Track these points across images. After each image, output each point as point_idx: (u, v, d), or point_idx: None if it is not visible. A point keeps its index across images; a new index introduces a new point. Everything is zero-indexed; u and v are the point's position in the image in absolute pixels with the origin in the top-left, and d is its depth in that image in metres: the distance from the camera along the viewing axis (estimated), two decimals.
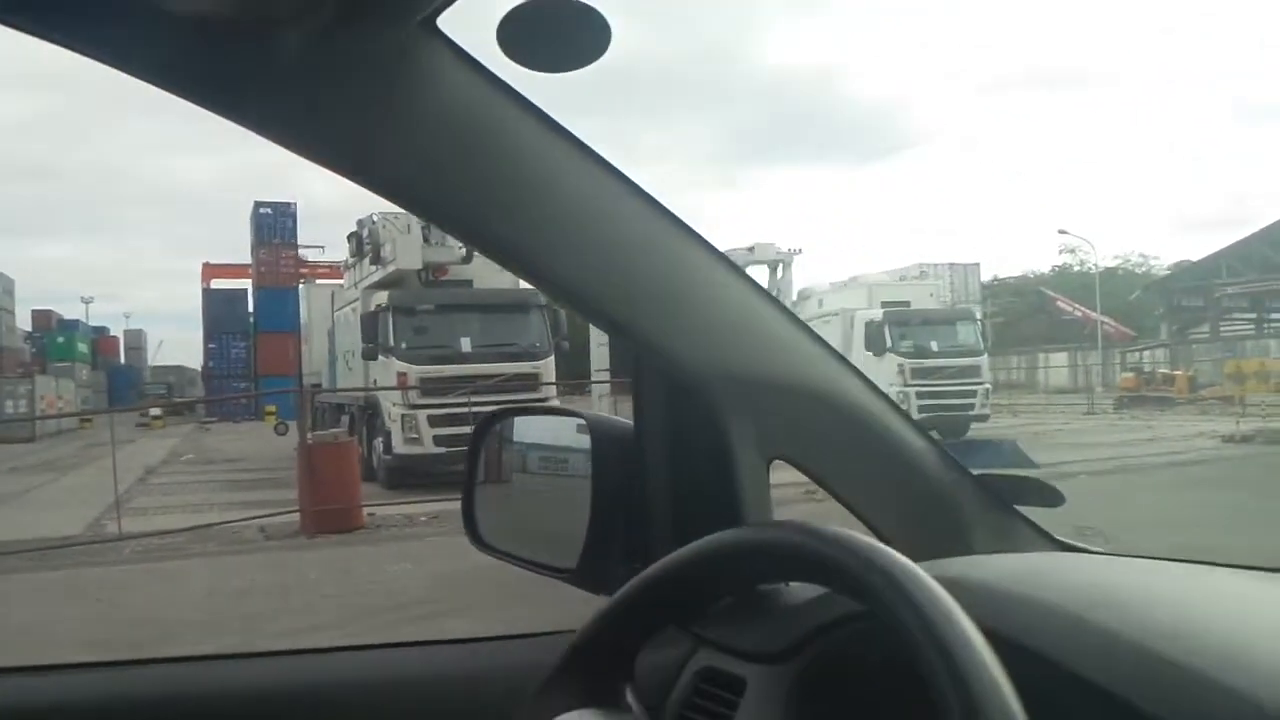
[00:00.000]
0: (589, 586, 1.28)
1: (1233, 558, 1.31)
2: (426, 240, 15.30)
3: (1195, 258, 58.02)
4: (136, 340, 67.63)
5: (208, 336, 52.14)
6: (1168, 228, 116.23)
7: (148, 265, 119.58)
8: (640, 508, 1.27)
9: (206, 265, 54.15)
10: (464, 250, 15.50)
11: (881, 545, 0.79)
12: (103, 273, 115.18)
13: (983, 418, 22.51)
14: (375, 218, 15.59)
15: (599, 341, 28.95)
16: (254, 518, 11.29)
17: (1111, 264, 73.64)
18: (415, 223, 15.42)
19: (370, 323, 14.71)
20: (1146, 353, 45.03)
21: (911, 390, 21.36)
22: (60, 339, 51.19)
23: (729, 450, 1.24)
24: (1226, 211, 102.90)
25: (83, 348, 52.62)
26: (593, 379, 27.75)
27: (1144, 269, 74.85)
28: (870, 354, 22.10)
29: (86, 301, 64.02)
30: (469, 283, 15.77)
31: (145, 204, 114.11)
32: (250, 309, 50.30)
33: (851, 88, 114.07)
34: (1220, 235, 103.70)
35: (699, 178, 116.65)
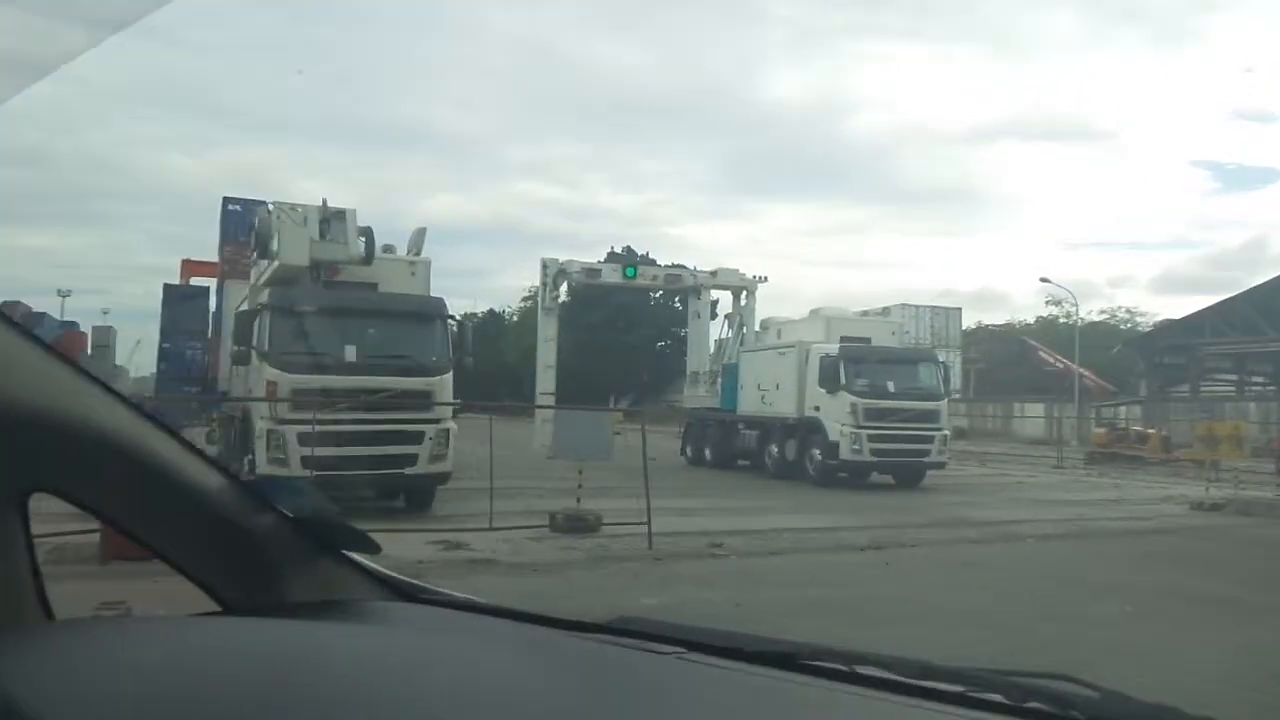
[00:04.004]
0: None
1: None
2: (322, 235, 13.80)
3: (1178, 316, 57.32)
4: (104, 338, 65.26)
5: (163, 336, 50.37)
6: (1149, 287, 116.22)
7: (133, 261, 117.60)
8: None
9: (186, 262, 52.47)
10: (363, 249, 14.06)
11: None
12: (87, 267, 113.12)
13: (939, 465, 21.04)
14: (270, 207, 14.07)
15: (545, 364, 27.66)
16: (54, 535, 9.66)
17: (1096, 318, 73.23)
18: (313, 216, 13.95)
19: (243, 323, 13.16)
20: (1123, 409, 43.78)
21: (864, 433, 19.91)
22: None
23: None
24: (1208, 276, 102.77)
25: None
26: (537, 402, 26.34)
27: (1129, 324, 74.36)
28: (823, 391, 20.66)
29: (63, 295, 61.74)
30: (373, 286, 14.25)
31: (134, 199, 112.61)
32: (212, 309, 48.75)
33: (849, 129, 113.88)
34: (1202, 298, 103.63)
35: (695, 206, 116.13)
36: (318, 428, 12.21)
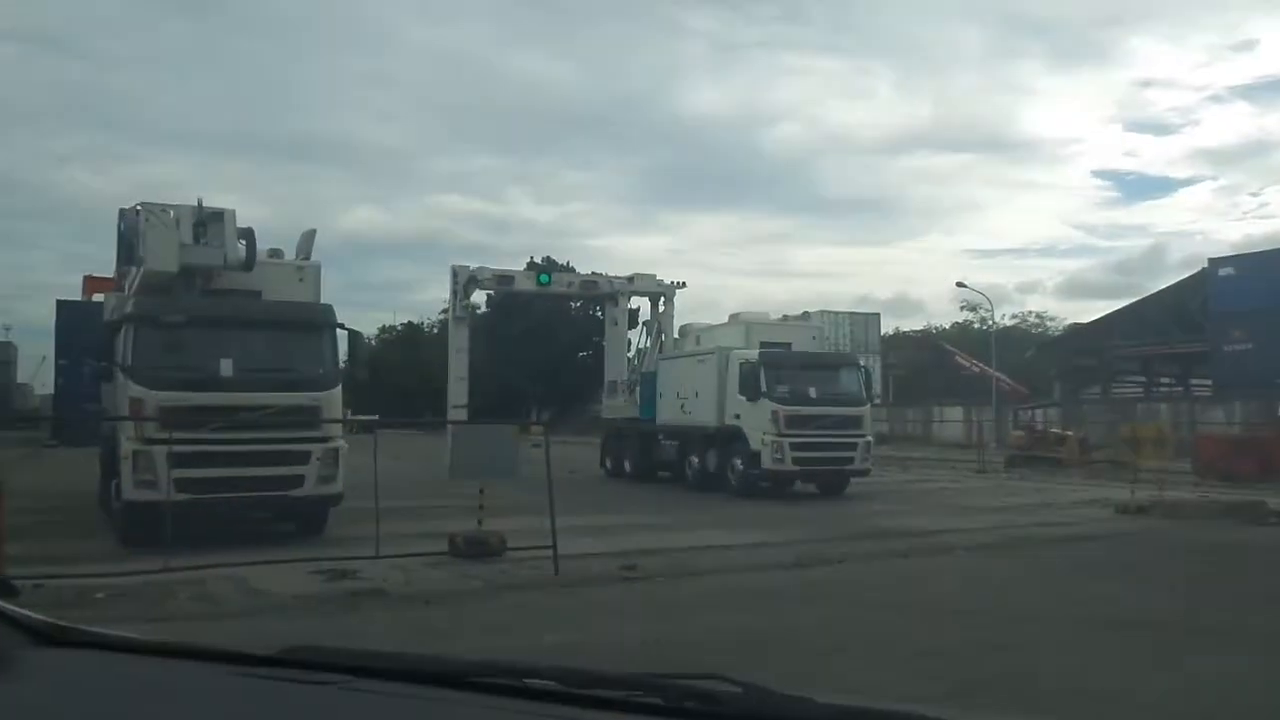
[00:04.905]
0: None
1: None
2: (197, 239, 12.59)
3: (1085, 320, 58.71)
4: (5, 353, 62.50)
5: (59, 353, 47.97)
6: (1057, 292, 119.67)
7: (35, 279, 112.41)
8: None
9: (88, 278, 50.15)
10: (243, 254, 12.88)
11: None
12: None
13: (863, 472, 20.51)
14: (138, 209, 12.77)
15: (458, 376, 26.49)
16: None
17: (1009, 323, 74.65)
18: (187, 218, 12.74)
19: (107, 336, 11.90)
20: (1039, 411, 44.25)
21: (786, 441, 19.25)
22: None
23: None
24: (1112, 281, 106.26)
25: None
26: (450, 416, 25.14)
27: (1039, 329, 76.03)
28: (744, 398, 19.96)
29: None
30: (256, 294, 13.06)
31: (35, 216, 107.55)
32: None
33: (768, 140, 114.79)
34: (1106, 303, 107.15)
35: (616, 217, 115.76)
36: (191, 448, 11.01)
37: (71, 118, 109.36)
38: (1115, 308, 53.84)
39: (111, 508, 12.42)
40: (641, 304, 28.75)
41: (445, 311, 61.01)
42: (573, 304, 57.88)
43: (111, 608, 8.24)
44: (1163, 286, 51.65)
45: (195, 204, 12.84)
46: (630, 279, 27.12)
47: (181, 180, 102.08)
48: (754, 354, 20.30)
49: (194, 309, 11.84)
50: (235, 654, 1.48)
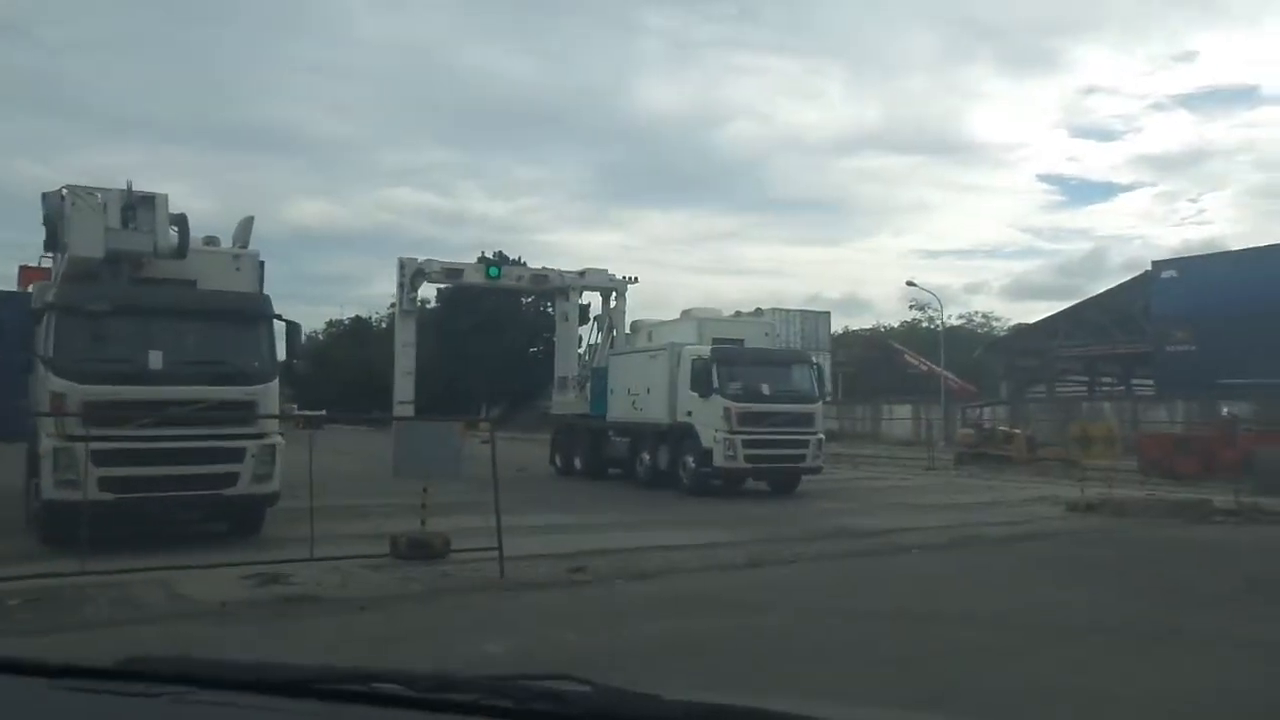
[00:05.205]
0: None
1: None
2: (126, 224, 11.98)
3: (1030, 320, 59.55)
4: None
5: None
6: (1002, 293, 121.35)
7: None
8: None
9: (24, 268, 48.48)
10: (174, 241, 12.30)
11: None
12: None
13: (815, 470, 20.38)
14: (64, 192, 12.12)
15: (404, 370, 25.89)
16: None
17: (955, 323, 75.50)
18: (114, 201, 12.13)
19: (32, 326, 11.30)
20: (987, 409, 44.70)
21: (738, 438, 19.03)
22: None
23: None
24: (1055, 283, 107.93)
25: None
26: (396, 412, 24.57)
27: (985, 329, 77.06)
28: (696, 395, 19.71)
29: None
30: (191, 283, 12.49)
31: None
32: None
33: (721, 138, 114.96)
34: (1049, 304, 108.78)
35: (568, 213, 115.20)
36: (117, 445, 10.46)
37: (15, 104, 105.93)
38: (1059, 309, 54.67)
39: (32, 507, 11.81)
40: (593, 299, 28.43)
41: (393, 305, 60.15)
42: (523, 299, 57.32)
43: (23, 615, 7.74)
44: (1104, 289, 52.55)
45: (124, 187, 12.22)
46: (582, 273, 26.75)
47: (128, 168, 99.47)
48: (706, 350, 20.07)
49: (121, 297, 11.24)
50: (67, 667, 1.40)
